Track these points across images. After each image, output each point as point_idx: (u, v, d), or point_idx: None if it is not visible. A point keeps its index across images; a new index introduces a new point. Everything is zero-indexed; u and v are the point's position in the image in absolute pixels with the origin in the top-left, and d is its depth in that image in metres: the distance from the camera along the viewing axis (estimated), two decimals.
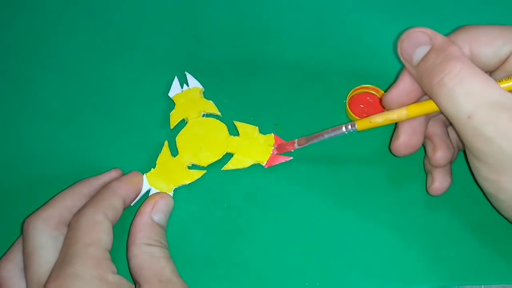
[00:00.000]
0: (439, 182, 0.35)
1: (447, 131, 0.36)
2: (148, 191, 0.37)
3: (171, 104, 0.41)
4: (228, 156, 0.39)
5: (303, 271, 0.35)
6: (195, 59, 0.43)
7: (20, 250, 0.33)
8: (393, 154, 0.35)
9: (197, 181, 0.38)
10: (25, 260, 0.32)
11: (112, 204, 0.34)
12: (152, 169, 0.38)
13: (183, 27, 0.44)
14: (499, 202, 0.31)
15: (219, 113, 0.40)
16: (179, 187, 0.38)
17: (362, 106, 0.40)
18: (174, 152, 0.39)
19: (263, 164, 0.38)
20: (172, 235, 0.36)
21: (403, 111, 0.33)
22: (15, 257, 0.33)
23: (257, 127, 0.39)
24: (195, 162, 0.38)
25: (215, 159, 0.38)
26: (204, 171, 0.38)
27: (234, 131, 0.39)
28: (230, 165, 0.38)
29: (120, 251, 0.35)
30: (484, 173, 0.30)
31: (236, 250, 0.36)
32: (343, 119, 0.39)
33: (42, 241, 0.32)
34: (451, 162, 0.36)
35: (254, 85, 0.41)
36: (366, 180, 0.37)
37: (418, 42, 0.32)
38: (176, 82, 0.41)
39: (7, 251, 0.34)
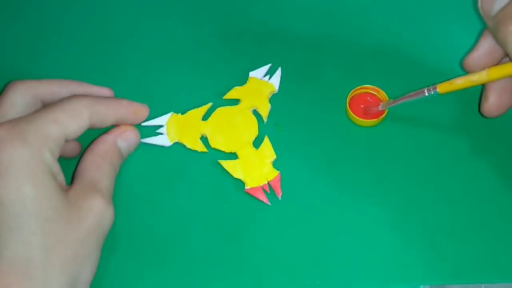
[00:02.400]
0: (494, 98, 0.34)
1: None
2: (160, 127, 0.39)
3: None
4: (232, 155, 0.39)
5: (303, 271, 0.35)
6: (195, 59, 0.43)
7: None
8: (484, 116, 0.35)
9: (197, 181, 0.38)
10: None
11: (99, 109, 0.35)
12: (180, 114, 0.40)
13: (184, 27, 0.44)
14: None
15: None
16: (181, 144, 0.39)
17: (362, 106, 0.40)
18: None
19: (245, 188, 0.37)
20: (172, 235, 0.36)
21: (483, 73, 0.33)
22: None
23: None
24: (213, 142, 0.39)
25: (224, 150, 0.39)
26: (206, 150, 0.39)
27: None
28: (225, 164, 0.38)
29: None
30: None
31: (236, 250, 0.35)
32: (343, 119, 0.39)
33: (15, 101, 0.34)
34: None
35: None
36: (366, 179, 0.37)
37: None
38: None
39: None
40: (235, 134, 0.39)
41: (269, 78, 0.41)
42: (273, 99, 0.40)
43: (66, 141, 0.34)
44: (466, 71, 0.35)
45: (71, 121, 0.34)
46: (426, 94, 0.36)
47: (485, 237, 0.35)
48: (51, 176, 0.31)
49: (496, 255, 0.34)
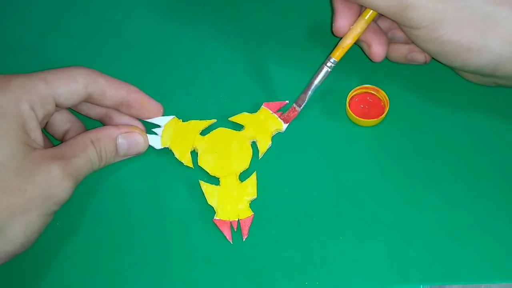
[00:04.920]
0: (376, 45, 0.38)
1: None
2: (157, 127, 0.39)
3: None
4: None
5: (303, 271, 0.35)
6: (196, 59, 0.43)
7: None
8: (375, 62, 0.39)
9: (196, 181, 0.38)
10: None
11: (98, 80, 0.36)
12: (180, 120, 0.39)
13: (184, 26, 0.44)
14: (446, 55, 0.36)
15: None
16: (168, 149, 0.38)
17: (362, 106, 0.40)
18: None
19: (214, 217, 0.36)
20: (173, 235, 0.36)
21: (361, 22, 0.37)
22: None
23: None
24: (201, 160, 0.38)
25: (209, 172, 0.38)
26: (192, 166, 0.38)
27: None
28: (204, 186, 0.37)
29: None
30: (424, 36, 0.35)
31: (236, 250, 0.35)
32: (344, 119, 0.39)
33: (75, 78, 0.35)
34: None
35: (254, 85, 0.41)
36: (366, 179, 0.37)
37: None
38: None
39: None
40: (225, 159, 0.38)
41: (282, 114, 0.39)
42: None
43: (59, 106, 0.34)
44: (340, 36, 0.38)
45: (62, 82, 0.34)
46: (329, 70, 0.38)
47: (485, 237, 0.35)
48: (19, 126, 0.32)
49: (496, 255, 0.34)
